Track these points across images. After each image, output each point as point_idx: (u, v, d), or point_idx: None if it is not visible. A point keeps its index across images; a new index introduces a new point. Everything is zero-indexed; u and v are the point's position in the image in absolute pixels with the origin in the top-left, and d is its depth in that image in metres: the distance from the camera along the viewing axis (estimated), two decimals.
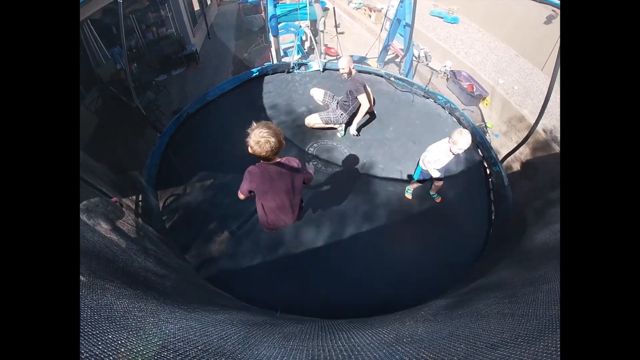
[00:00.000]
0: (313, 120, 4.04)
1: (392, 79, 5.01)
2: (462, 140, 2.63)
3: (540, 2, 3.03)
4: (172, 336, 0.81)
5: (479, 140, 3.97)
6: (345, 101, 3.89)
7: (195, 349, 0.80)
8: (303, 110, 4.47)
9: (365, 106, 3.67)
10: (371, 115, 4.32)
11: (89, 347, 0.60)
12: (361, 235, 3.03)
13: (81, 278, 0.99)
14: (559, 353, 0.73)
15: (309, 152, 3.90)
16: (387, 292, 2.72)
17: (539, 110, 3.23)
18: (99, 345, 0.61)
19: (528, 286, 1.34)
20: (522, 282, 1.48)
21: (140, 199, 3.25)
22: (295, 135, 4.12)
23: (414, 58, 6.94)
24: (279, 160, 2.01)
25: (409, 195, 3.40)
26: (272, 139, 1.82)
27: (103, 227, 2.25)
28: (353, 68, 3.66)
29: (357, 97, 3.63)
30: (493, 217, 3.27)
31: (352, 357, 0.99)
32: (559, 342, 0.75)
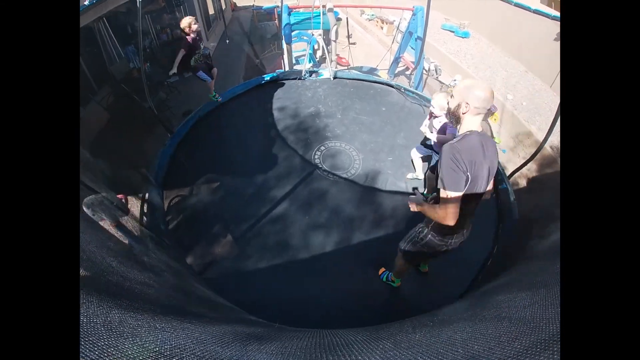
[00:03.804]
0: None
1: (403, 90, 5.03)
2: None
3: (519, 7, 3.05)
4: (168, 343, 0.80)
5: None
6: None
7: (192, 356, 0.79)
8: (311, 112, 4.52)
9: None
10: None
11: (85, 353, 0.59)
12: (365, 243, 3.00)
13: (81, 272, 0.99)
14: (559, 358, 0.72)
15: (316, 154, 3.90)
16: (388, 302, 2.69)
17: (548, 127, 3.20)
18: (95, 350, 0.61)
19: (526, 290, 1.32)
20: (520, 287, 1.47)
21: (146, 197, 3.27)
22: (302, 139, 4.15)
23: (424, 71, 6.97)
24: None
25: None
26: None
27: (107, 223, 2.26)
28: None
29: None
30: (498, 233, 3.23)
31: None
32: (558, 350, 0.74)
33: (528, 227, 3.03)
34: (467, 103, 1.58)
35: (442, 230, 1.81)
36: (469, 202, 1.68)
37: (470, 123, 1.63)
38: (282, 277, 2.81)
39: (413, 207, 1.91)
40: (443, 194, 1.61)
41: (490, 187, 1.77)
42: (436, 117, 3.02)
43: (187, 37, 3.88)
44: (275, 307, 2.54)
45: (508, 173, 3.85)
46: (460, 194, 1.57)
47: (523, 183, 6.12)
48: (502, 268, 2.50)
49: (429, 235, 1.95)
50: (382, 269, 2.89)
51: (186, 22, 3.81)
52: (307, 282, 2.79)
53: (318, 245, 3.01)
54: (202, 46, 4.05)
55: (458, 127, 1.70)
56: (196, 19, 3.89)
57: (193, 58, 3.99)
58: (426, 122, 3.28)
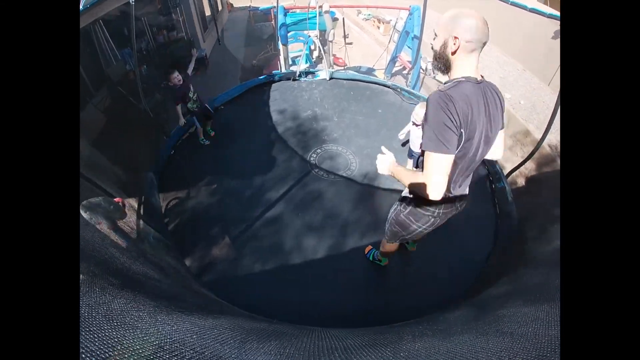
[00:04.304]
0: None
1: (399, 90, 5.04)
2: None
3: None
4: (168, 337, 0.80)
5: None
6: None
7: (192, 351, 0.79)
8: (308, 115, 4.53)
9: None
10: None
11: (86, 344, 0.59)
12: (363, 246, 3.00)
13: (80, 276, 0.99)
14: None
15: (312, 156, 3.90)
16: (387, 303, 2.69)
17: (546, 126, 3.21)
18: (96, 342, 0.61)
19: (528, 305, 1.33)
20: (522, 301, 1.47)
21: (143, 200, 3.26)
22: (299, 141, 4.16)
23: (421, 70, 6.97)
24: None
25: None
26: None
27: (104, 226, 2.26)
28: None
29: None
30: (496, 233, 3.24)
31: None
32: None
33: (527, 227, 3.03)
34: (455, 37, 1.21)
35: (428, 200, 1.33)
36: (459, 165, 1.35)
37: (464, 65, 1.26)
38: (280, 278, 2.81)
39: (383, 170, 1.57)
40: (428, 157, 1.21)
41: (500, 143, 1.45)
42: (418, 125, 3.03)
43: (175, 86, 3.83)
44: (274, 309, 2.54)
45: (506, 172, 3.86)
46: (451, 157, 1.20)
47: (521, 182, 6.13)
48: (502, 271, 2.51)
49: (410, 207, 1.65)
50: (369, 247, 2.68)
51: (169, 77, 3.76)
52: (306, 284, 2.79)
53: (316, 247, 3.01)
54: (192, 92, 4.00)
55: (448, 75, 1.33)
56: (174, 70, 3.76)
57: (188, 104, 3.99)
58: (405, 129, 3.35)
